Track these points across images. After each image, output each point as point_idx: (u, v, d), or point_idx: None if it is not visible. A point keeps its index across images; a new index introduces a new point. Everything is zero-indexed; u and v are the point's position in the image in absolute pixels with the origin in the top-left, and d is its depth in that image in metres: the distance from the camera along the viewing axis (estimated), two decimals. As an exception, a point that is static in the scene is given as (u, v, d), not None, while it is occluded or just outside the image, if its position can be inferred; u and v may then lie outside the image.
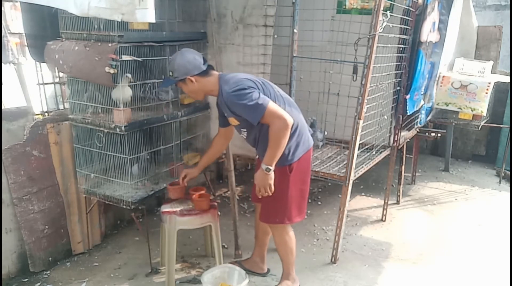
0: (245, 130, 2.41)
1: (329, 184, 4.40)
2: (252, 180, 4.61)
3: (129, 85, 2.48)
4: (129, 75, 2.46)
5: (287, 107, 2.32)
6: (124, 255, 3.07)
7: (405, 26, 3.10)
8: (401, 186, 4.05)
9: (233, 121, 2.38)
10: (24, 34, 3.07)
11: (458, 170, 5.11)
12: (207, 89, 2.36)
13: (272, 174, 2.26)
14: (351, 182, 2.85)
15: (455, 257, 3.16)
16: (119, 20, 2.04)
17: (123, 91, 2.47)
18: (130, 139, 2.53)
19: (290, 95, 2.92)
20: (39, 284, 2.70)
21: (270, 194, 2.32)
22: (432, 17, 3.34)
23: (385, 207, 3.68)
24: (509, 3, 5.83)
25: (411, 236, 3.45)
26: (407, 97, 3.29)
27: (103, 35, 2.44)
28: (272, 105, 2.19)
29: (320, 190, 4.39)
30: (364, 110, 2.74)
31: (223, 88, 2.26)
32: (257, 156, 2.58)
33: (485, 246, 3.32)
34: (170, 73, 2.32)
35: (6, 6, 3.80)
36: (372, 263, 3.04)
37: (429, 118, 4.29)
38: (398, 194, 4.06)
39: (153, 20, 2.08)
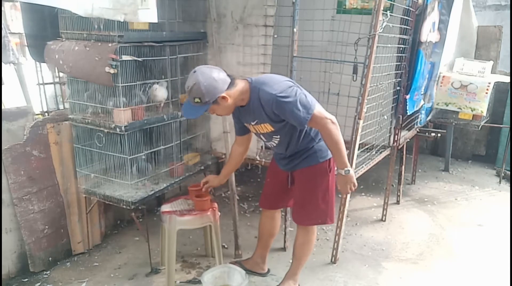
0: (278, 136, 2.26)
1: (329, 184, 4.40)
2: (251, 180, 4.62)
3: (128, 85, 2.48)
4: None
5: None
6: (124, 255, 3.07)
7: (405, 26, 3.10)
8: (401, 186, 4.05)
9: (263, 127, 2.21)
10: (24, 34, 3.07)
11: (458, 170, 5.11)
12: (238, 100, 2.13)
13: (352, 173, 2.21)
14: (351, 182, 2.85)
15: (455, 257, 3.16)
16: (122, 20, 2.05)
17: (160, 92, 2.61)
18: (130, 139, 2.53)
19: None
20: (39, 284, 2.70)
21: (354, 189, 2.25)
22: (432, 17, 3.34)
23: (385, 207, 3.68)
24: (509, 3, 5.82)
25: (411, 236, 3.45)
26: (407, 97, 3.29)
27: (103, 35, 2.44)
28: (319, 107, 2.10)
29: (320, 190, 4.38)
30: (364, 110, 2.74)
31: (263, 91, 2.06)
32: (261, 159, 2.54)
33: (485, 246, 3.32)
34: (198, 100, 2.03)
35: (6, 6, 3.80)
36: (372, 263, 3.04)
37: (429, 118, 4.29)
38: (398, 194, 4.06)
39: (155, 20, 2.09)
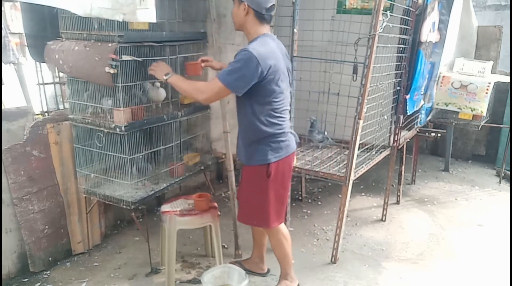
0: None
1: (329, 184, 4.41)
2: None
3: (128, 85, 2.48)
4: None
5: (282, 112, 2.32)
6: (124, 255, 3.07)
7: (405, 26, 3.10)
8: (401, 186, 4.05)
9: None
10: (24, 34, 3.07)
11: (458, 170, 5.11)
12: (246, 27, 2.28)
13: (162, 79, 2.35)
14: (351, 182, 2.85)
15: (455, 257, 3.16)
16: (121, 20, 2.05)
17: (158, 93, 2.63)
18: (130, 139, 2.53)
19: (290, 95, 2.91)
20: (39, 284, 2.71)
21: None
22: (432, 17, 3.34)
23: (385, 207, 3.68)
24: (509, 3, 5.82)
25: (411, 236, 3.45)
26: (407, 97, 3.29)
27: (103, 35, 2.44)
28: (222, 89, 2.17)
29: (320, 190, 4.39)
30: (364, 110, 2.74)
31: (250, 44, 2.21)
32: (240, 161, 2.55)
33: (485, 246, 3.32)
34: None
35: (6, 6, 3.80)
36: (372, 263, 3.04)
37: (429, 118, 4.29)
38: (398, 194, 4.06)
39: (153, 20, 2.09)
